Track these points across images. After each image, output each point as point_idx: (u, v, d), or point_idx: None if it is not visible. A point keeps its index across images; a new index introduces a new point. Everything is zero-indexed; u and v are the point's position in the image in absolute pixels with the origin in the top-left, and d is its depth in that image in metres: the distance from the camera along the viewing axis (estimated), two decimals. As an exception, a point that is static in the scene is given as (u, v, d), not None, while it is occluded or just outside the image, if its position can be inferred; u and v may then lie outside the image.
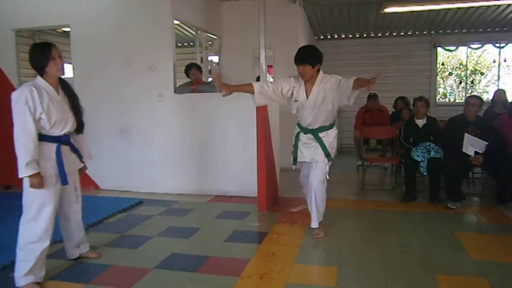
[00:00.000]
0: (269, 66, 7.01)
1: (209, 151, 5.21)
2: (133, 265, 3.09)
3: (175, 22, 5.60)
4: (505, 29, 8.69)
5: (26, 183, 2.78)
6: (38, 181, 2.70)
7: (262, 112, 4.45)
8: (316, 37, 9.64)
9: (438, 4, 6.75)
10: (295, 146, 3.73)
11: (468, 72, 11.63)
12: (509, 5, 7.12)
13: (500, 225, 3.93)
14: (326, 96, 3.43)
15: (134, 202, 4.81)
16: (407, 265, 3.03)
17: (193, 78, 5.54)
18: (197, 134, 5.23)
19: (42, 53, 2.72)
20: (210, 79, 6.80)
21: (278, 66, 7.10)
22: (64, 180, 2.81)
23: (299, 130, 3.72)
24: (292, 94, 3.55)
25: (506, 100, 5.92)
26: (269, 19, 4.72)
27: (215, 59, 7.54)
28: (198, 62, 6.46)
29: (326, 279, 2.82)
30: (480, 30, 8.86)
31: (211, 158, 5.20)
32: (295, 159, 3.74)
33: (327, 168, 3.60)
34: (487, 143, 4.29)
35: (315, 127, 3.55)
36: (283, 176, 5.19)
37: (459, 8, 7.28)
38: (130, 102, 5.42)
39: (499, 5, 7.12)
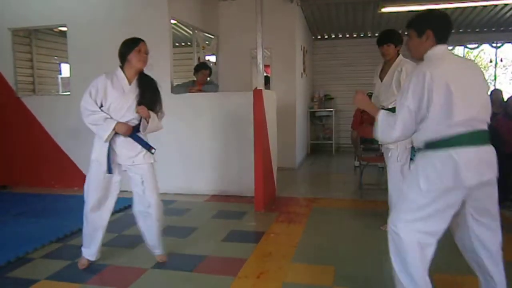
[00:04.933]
0: (266, 66, 7.01)
1: (206, 150, 5.20)
2: (130, 265, 3.08)
3: (172, 21, 5.59)
4: (501, 29, 8.72)
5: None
6: (124, 127, 2.85)
7: (259, 112, 4.45)
8: (313, 37, 9.64)
9: (435, 4, 6.75)
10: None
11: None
12: (506, 5, 7.14)
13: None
14: (395, 79, 3.66)
15: (131, 202, 4.77)
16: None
17: (200, 79, 5.48)
18: (194, 133, 5.22)
19: (130, 43, 2.95)
20: (208, 79, 6.80)
21: (275, 65, 7.11)
22: (109, 169, 2.89)
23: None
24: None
25: (503, 100, 5.94)
26: (267, 19, 4.72)
27: (212, 58, 7.54)
28: (196, 62, 6.44)
29: (323, 278, 2.81)
30: (477, 30, 8.88)
31: (208, 158, 5.20)
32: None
33: (403, 156, 3.60)
34: None
35: (389, 106, 3.70)
36: (281, 175, 5.19)
37: (456, 8, 7.29)
38: (127, 101, 5.40)
39: (496, 5, 7.14)
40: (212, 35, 7.12)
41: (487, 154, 2.02)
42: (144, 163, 2.97)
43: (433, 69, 1.95)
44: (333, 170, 7.33)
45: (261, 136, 4.45)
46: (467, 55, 12.00)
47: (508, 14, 7.75)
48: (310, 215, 4.30)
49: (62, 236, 3.67)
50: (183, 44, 8.69)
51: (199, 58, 6.72)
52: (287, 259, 3.13)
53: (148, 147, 2.99)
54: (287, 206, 4.61)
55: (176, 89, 5.32)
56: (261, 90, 4.48)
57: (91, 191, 2.95)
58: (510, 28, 8.65)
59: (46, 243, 3.50)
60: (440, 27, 2.08)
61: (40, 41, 6.81)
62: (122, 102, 2.88)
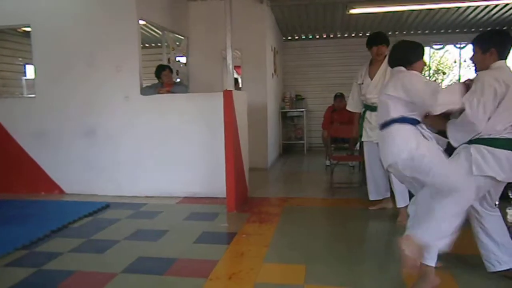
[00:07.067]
0: (237, 67, 7.02)
1: (177, 152, 5.15)
2: (99, 270, 3.01)
3: (141, 22, 5.52)
4: (464, 30, 9.02)
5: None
6: None
7: (229, 112, 4.45)
8: (284, 38, 9.71)
9: (400, 5, 6.93)
10: (360, 125, 4.18)
11: (431, 71, 12.00)
12: (468, 7, 7.39)
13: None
14: (387, 77, 3.91)
15: (101, 205, 4.70)
16: (374, 260, 3.09)
17: (165, 80, 5.41)
18: (165, 135, 5.16)
19: (420, 50, 2.91)
20: (178, 80, 6.74)
21: (246, 66, 7.11)
22: None
23: (364, 109, 4.22)
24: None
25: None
26: (237, 20, 4.72)
27: (182, 59, 7.48)
28: (166, 63, 6.38)
29: (295, 277, 2.84)
30: (442, 31, 9.17)
31: (179, 159, 5.15)
32: (360, 136, 4.18)
33: None
34: None
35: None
36: (253, 176, 5.20)
37: (421, 10, 7.50)
38: (95, 103, 5.30)
39: (459, 7, 7.39)
40: (182, 36, 7.06)
41: None
42: None
43: (499, 75, 2.30)
44: (304, 169, 7.39)
45: (231, 137, 4.45)
46: (433, 55, 12.35)
47: (470, 16, 8.03)
48: (282, 214, 4.33)
49: (28, 243, 3.56)
50: (152, 45, 8.57)
51: (169, 59, 6.66)
52: (259, 259, 3.14)
53: None
54: (259, 206, 4.63)
55: (145, 91, 5.24)
56: (231, 91, 4.48)
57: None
58: (472, 30, 8.96)
59: (10, 250, 3.38)
60: (503, 46, 2.38)
61: (3, 42, 6.60)
62: None
